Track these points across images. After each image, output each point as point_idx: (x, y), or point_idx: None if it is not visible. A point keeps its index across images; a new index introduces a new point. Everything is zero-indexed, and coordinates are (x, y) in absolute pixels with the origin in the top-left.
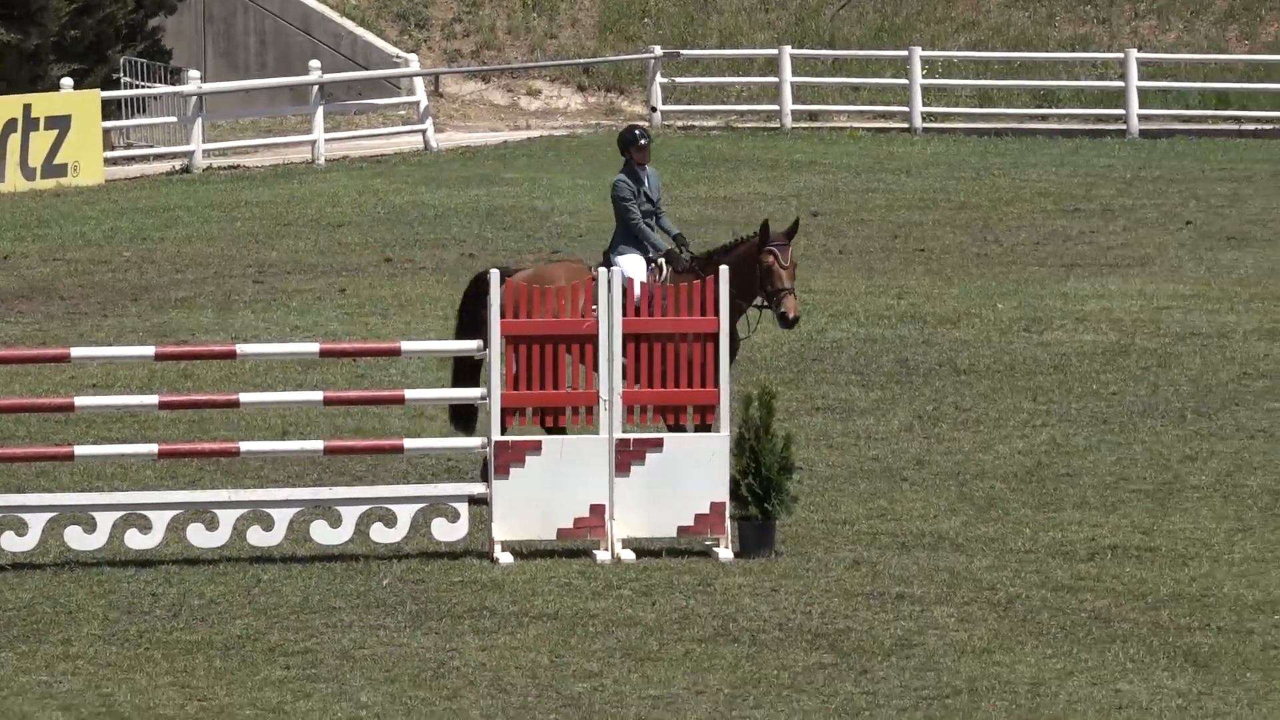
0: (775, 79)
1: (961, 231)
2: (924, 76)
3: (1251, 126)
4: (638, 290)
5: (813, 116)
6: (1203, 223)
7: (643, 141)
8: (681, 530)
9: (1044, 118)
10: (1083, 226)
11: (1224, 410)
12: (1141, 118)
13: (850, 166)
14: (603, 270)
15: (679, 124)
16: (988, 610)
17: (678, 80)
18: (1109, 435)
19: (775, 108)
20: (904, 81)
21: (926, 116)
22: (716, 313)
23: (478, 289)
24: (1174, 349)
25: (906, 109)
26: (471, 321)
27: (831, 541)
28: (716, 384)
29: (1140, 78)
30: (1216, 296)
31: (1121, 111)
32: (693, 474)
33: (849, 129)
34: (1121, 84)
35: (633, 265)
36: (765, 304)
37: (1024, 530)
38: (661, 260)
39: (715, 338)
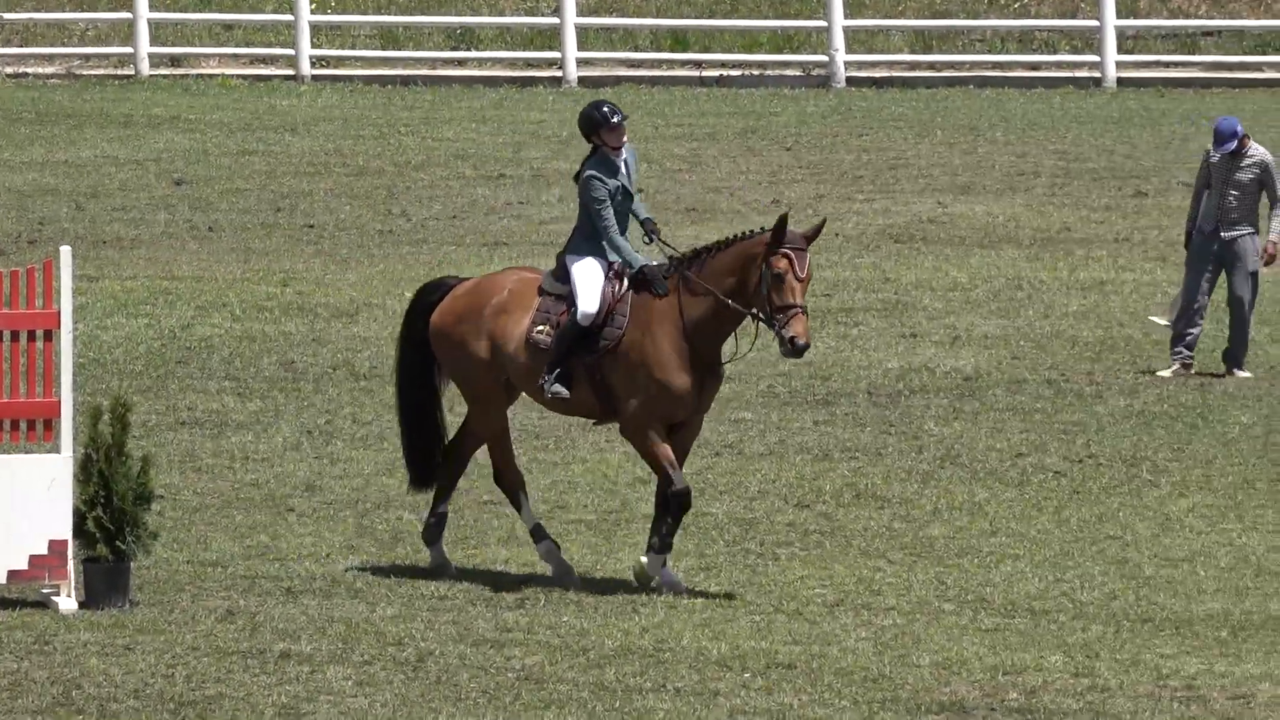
0: (129, 15)
1: (361, 203)
2: (313, 11)
3: (714, 73)
4: (585, 309)
5: (176, 62)
6: (652, 191)
7: (615, 120)
8: (12, 575)
9: (461, 63)
10: (510, 196)
11: None
12: (581, 62)
13: (222, 123)
14: None
15: (8, 70)
16: (393, 670)
17: (6, 16)
18: (543, 454)
19: (129, 51)
20: (288, 18)
21: (316, 61)
22: (56, 304)
23: (425, 300)
24: None
25: (292, 52)
26: (413, 347)
27: (200, 587)
28: (56, 393)
29: (579, 13)
30: None
31: (557, 54)
32: (25, 505)
33: (220, 77)
34: (556, 20)
35: (587, 273)
36: (764, 319)
37: (439, 572)
38: (626, 273)
39: (52, 335)
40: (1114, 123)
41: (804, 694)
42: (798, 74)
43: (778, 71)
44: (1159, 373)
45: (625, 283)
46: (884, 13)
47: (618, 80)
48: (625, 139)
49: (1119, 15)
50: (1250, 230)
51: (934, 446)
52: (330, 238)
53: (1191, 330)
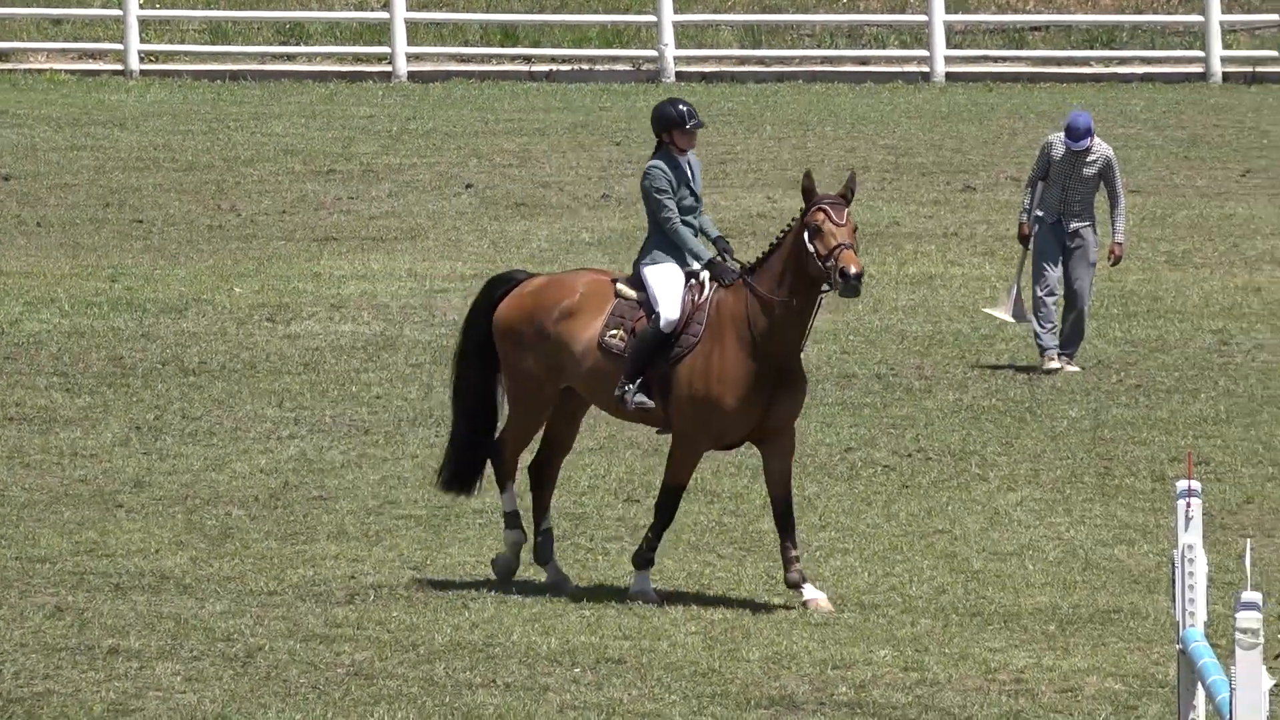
0: None
1: (190, 198)
2: (142, 6)
3: (544, 68)
4: (668, 316)
5: (3, 56)
6: (486, 186)
7: (690, 125)
8: None
9: (291, 57)
10: (339, 192)
11: None
12: (411, 57)
13: (50, 118)
14: None
15: None
16: (223, 666)
17: None
18: (373, 449)
19: None
20: (117, 12)
21: (145, 56)
22: None
23: (490, 295)
24: (451, 341)
25: (121, 46)
26: (476, 342)
27: (29, 584)
28: None
29: (409, 7)
30: None
31: (386, 49)
32: None
33: (48, 71)
34: (385, 15)
35: (666, 279)
36: (827, 284)
37: (268, 567)
38: (705, 275)
39: None
40: (942, 117)
41: (634, 689)
42: (627, 69)
43: (607, 66)
44: (1047, 366)
45: (705, 291)
46: (713, 8)
47: (448, 75)
48: (695, 143)
49: (947, 10)
50: (1091, 222)
51: None
52: (159, 233)
53: (1049, 326)
